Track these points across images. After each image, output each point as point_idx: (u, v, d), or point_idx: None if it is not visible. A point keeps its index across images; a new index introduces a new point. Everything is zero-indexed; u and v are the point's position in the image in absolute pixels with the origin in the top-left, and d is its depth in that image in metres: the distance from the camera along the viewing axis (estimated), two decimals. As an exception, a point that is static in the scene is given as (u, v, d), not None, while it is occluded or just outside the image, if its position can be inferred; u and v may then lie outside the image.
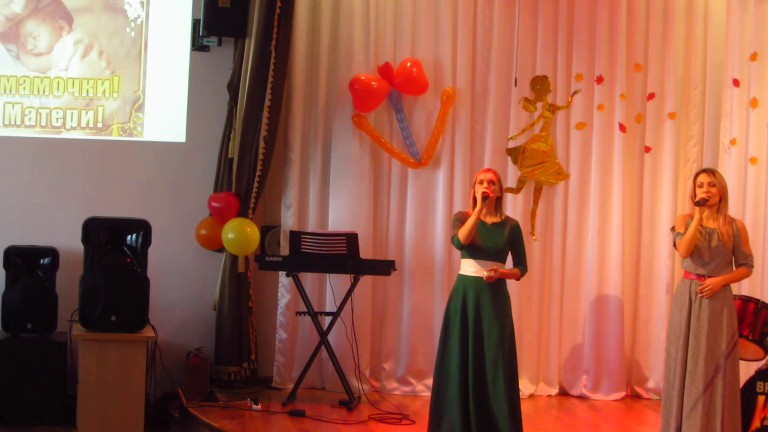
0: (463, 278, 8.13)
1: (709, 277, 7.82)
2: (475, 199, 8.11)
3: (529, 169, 10.06)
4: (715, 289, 7.80)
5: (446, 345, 8.09)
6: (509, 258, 8.17)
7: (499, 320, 7.99)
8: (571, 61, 10.12)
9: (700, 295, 7.79)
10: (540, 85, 10.06)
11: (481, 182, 8.12)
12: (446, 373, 8.04)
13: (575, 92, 10.09)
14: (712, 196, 7.83)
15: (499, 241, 8.10)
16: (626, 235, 10.11)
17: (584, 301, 10.13)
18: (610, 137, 10.11)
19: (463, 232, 8.01)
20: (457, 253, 8.24)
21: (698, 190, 7.86)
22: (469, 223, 8.02)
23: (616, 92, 10.08)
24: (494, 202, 8.12)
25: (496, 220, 8.16)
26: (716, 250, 7.82)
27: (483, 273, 8.00)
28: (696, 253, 7.84)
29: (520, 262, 8.21)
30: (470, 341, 7.99)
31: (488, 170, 8.25)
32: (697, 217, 7.82)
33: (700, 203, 7.81)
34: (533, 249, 9.98)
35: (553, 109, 10.09)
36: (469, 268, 8.09)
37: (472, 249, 8.07)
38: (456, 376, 7.97)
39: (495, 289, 8.06)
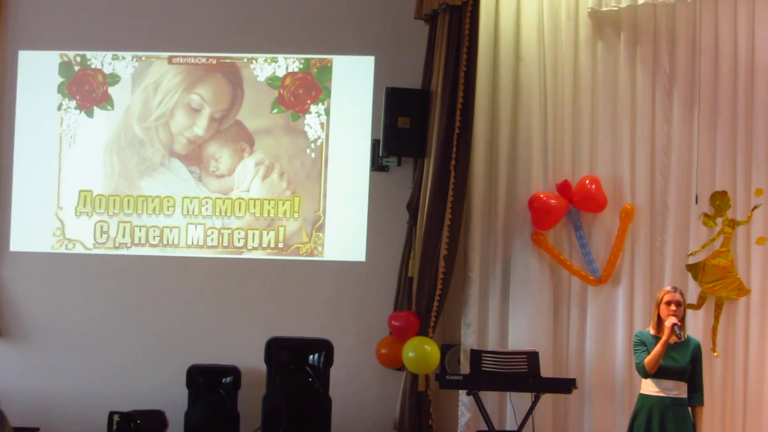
0: (644, 398, 8.12)
1: None
2: (659, 318, 8.08)
3: (710, 285, 9.90)
4: None
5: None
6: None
7: None
8: (751, 175, 9.97)
9: None
10: (720, 200, 9.94)
11: (669, 304, 8.08)
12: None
13: (755, 207, 9.91)
14: None
15: (682, 361, 8.06)
16: (810, 350, 9.89)
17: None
18: (792, 251, 9.94)
19: (650, 362, 8.03)
20: (639, 370, 8.21)
21: None
22: (656, 352, 8.02)
23: (796, 206, 9.94)
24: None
25: (679, 339, 8.14)
26: None
27: (666, 393, 8.00)
28: None
29: (697, 389, 8.14)
30: None
31: (675, 290, 8.20)
32: None
33: None
34: (715, 366, 9.78)
35: (733, 224, 9.95)
36: (651, 387, 8.10)
37: None
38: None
39: (678, 409, 8.01)
